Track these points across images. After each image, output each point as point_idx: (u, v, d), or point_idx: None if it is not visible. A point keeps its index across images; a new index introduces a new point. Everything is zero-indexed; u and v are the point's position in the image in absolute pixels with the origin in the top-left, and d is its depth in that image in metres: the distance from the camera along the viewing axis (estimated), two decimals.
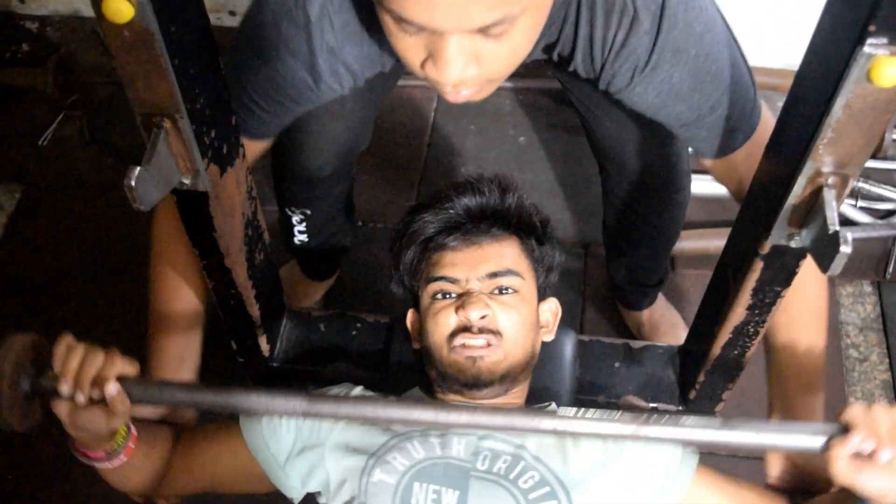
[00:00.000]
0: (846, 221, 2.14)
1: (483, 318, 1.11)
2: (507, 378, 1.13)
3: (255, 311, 1.30)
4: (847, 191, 0.91)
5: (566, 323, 1.34)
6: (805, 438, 0.95)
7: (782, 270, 1.06)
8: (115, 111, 2.43)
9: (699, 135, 1.15)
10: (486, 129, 2.39)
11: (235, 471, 1.18)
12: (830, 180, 0.89)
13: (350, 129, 1.50)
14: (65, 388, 0.98)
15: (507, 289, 1.15)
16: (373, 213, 2.21)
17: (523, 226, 1.22)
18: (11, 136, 2.40)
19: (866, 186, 2.17)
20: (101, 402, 0.99)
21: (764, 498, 1.14)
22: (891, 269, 2.11)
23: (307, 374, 1.48)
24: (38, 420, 1.03)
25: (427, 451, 1.09)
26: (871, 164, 2.24)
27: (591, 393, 1.44)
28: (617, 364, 1.46)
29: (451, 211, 1.20)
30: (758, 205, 1.04)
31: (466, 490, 1.05)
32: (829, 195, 0.88)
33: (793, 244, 0.98)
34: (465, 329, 1.12)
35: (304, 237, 1.78)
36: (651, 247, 1.77)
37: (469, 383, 1.12)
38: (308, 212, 1.72)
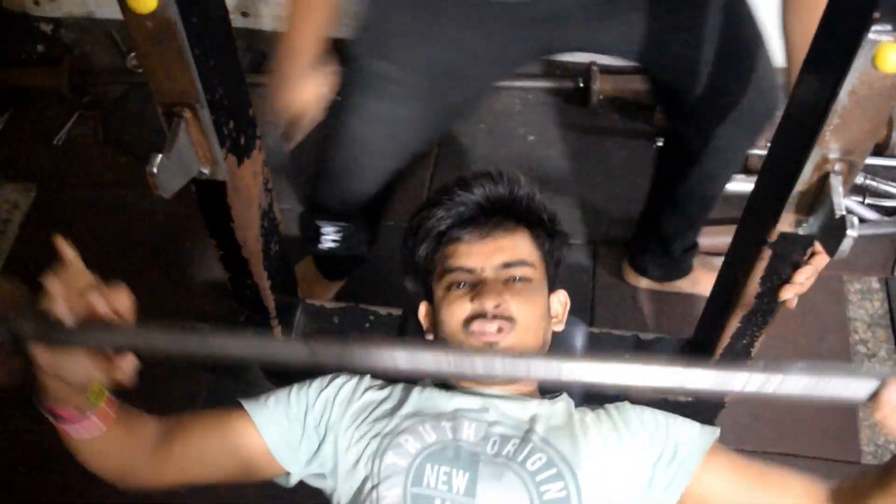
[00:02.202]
0: None
1: (497, 306, 1.14)
2: None
3: (270, 302, 1.33)
4: (853, 177, 0.92)
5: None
6: (852, 385, 0.82)
7: (790, 258, 1.07)
8: (129, 111, 2.46)
9: None
10: (496, 128, 2.41)
11: (238, 456, 1.15)
12: (837, 166, 0.90)
13: (402, 158, 1.56)
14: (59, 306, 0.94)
15: (519, 278, 1.17)
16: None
17: (533, 218, 1.24)
18: (27, 136, 2.43)
19: (874, 184, 2.18)
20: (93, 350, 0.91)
21: (789, 479, 1.10)
22: None
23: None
24: (20, 374, 0.94)
25: (439, 434, 1.11)
26: (878, 161, 2.25)
27: None
28: (626, 355, 1.47)
29: (462, 207, 1.21)
30: (766, 193, 1.06)
31: (476, 472, 1.07)
32: (835, 181, 0.90)
33: (800, 231, 1.00)
34: (479, 316, 1.14)
35: (333, 244, 1.80)
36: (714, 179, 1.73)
37: None
38: (345, 224, 1.74)
